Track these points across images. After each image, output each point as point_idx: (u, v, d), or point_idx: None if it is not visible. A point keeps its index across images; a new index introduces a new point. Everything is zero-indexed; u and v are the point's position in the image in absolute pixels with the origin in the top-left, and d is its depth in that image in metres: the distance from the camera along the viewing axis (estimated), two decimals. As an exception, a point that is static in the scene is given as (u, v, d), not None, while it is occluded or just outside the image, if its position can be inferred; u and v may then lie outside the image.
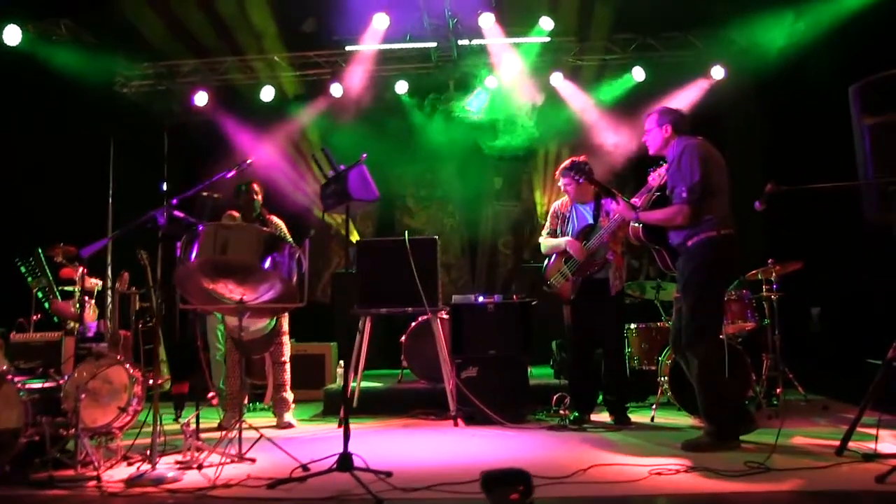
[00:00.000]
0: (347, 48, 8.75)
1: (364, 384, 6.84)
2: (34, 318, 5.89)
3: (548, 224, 6.00)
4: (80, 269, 5.83)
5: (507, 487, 3.03)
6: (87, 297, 6.26)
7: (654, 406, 5.86)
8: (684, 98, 8.78)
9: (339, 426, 5.80)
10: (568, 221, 5.87)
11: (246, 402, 6.12)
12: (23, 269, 5.95)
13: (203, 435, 4.50)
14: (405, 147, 9.64)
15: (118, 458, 4.34)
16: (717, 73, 8.84)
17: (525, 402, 5.99)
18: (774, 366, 6.14)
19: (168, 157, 10.00)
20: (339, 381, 7.01)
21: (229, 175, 4.45)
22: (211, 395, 4.52)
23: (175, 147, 10.01)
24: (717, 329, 4.79)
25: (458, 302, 6.17)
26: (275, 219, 6.09)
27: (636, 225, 4.99)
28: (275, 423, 5.97)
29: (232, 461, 4.36)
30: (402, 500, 3.52)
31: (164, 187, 6.43)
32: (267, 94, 9.35)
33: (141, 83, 9.47)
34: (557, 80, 9.10)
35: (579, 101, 9.14)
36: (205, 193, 4.96)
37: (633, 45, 8.98)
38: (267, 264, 4.03)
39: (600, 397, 5.90)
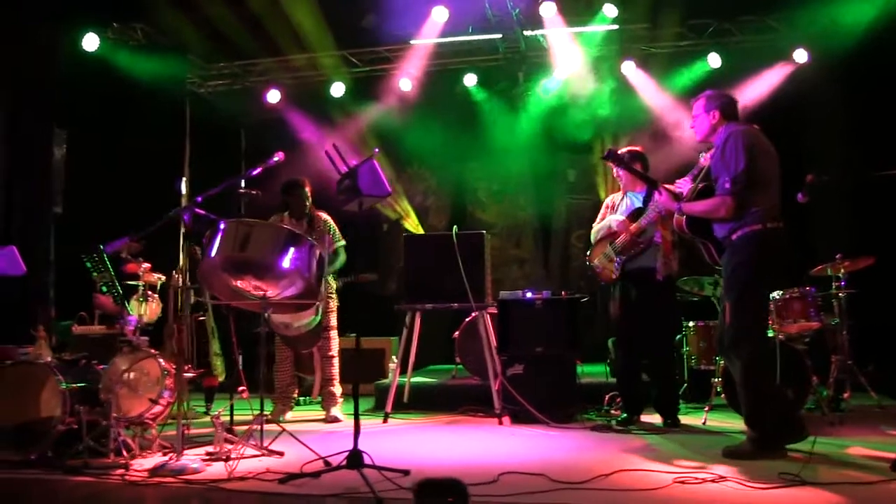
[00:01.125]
0: (412, 42, 8.72)
1: (417, 380, 6.86)
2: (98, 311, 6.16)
3: (599, 216, 5.82)
4: (144, 265, 6.05)
5: (439, 498, 2.93)
6: (150, 292, 6.52)
7: (706, 408, 5.59)
8: (763, 84, 8.34)
9: (384, 421, 5.84)
10: (618, 210, 5.67)
11: (296, 395, 6.21)
12: (88, 265, 6.23)
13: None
14: (476, 140, 9.57)
15: (154, 447, 4.48)
16: (800, 56, 8.34)
17: (573, 401, 5.82)
18: (843, 368, 5.74)
19: (245, 156, 10.30)
20: (392, 377, 7.02)
21: (255, 172, 4.50)
22: (241, 388, 4.58)
23: (252, 145, 10.29)
24: (762, 329, 4.49)
25: (506, 297, 6.06)
26: (324, 215, 6.15)
27: (680, 217, 4.71)
28: (323, 417, 6.04)
29: (262, 454, 4.45)
30: (405, 500, 3.48)
31: (183, 187, 6.53)
32: (337, 90, 9.47)
33: (217, 83, 9.79)
34: (629, 68, 8.81)
35: (652, 91, 8.80)
36: (241, 190, 5.07)
37: (709, 31, 8.60)
38: (285, 262, 4.05)
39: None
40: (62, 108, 7.92)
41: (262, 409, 4.37)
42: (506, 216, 10.08)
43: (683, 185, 4.89)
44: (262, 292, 4.26)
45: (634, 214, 5.49)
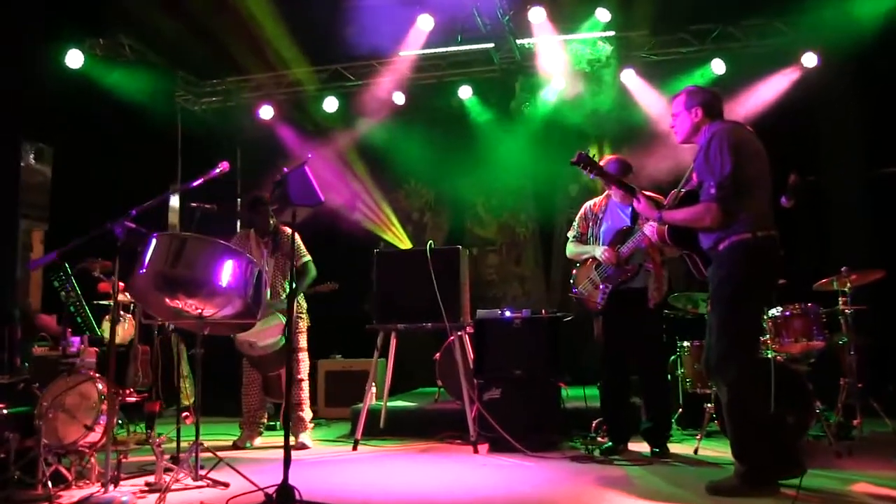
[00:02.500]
0: (401, 53, 8.46)
1: (397, 404, 6.52)
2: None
3: (575, 226, 5.43)
4: (117, 284, 5.81)
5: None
6: (122, 312, 6.29)
7: (698, 436, 5.15)
8: (769, 90, 7.92)
9: (353, 448, 5.51)
10: (601, 223, 5.28)
11: (265, 420, 5.90)
12: (55, 284, 6.02)
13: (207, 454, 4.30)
14: (474, 155, 9.22)
15: (93, 477, 4.19)
16: (809, 60, 7.91)
17: (555, 427, 5.43)
18: (852, 391, 5.28)
19: (241, 173, 10.09)
20: (370, 401, 6.67)
21: (195, 183, 4.23)
22: (185, 414, 4.28)
23: (248, 162, 10.07)
24: (752, 348, 3.99)
25: (483, 317, 5.70)
26: (287, 230, 5.87)
27: (662, 226, 4.26)
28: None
29: (207, 485, 4.14)
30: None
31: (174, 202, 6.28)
32: (330, 104, 9.24)
33: (210, 100, 9.62)
34: (629, 77, 8.45)
35: (654, 100, 8.42)
36: (194, 204, 4.80)
37: (712, 36, 8.22)
38: (219, 279, 3.76)
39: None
40: (47, 125, 7.79)
41: (197, 436, 4.05)
42: (506, 232, 9.70)
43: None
44: (197, 310, 3.96)
45: (620, 236, 5.10)
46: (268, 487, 3.58)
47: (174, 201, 8.86)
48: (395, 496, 4.05)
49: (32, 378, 4.54)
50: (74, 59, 7.78)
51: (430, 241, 5.82)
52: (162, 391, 5.80)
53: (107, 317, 6.35)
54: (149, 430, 4.52)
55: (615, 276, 5.07)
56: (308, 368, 5.88)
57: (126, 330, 6.28)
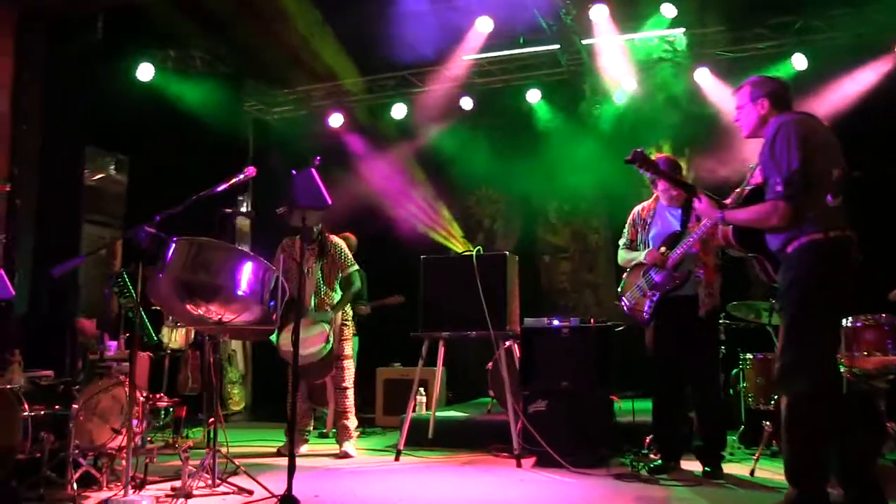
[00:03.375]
0: (464, 58, 8.34)
1: (448, 414, 6.38)
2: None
3: (625, 233, 5.17)
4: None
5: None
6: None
7: (755, 456, 4.78)
8: (856, 84, 7.36)
9: (396, 459, 5.41)
10: (649, 228, 5.00)
11: (311, 427, 5.87)
12: (115, 290, 6.19)
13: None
14: (544, 159, 9.01)
15: (123, 480, 4.23)
16: (903, 50, 7.33)
17: (603, 442, 5.16)
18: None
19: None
20: (420, 410, 6.57)
21: (220, 188, 4.21)
22: (211, 420, 4.27)
23: (321, 170, 10.15)
24: (822, 361, 3.54)
25: (530, 325, 5.49)
26: (335, 239, 5.84)
27: (725, 227, 3.89)
28: (336, 452, 5.66)
29: (232, 492, 4.13)
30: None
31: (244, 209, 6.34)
32: (398, 111, 9.22)
33: (283, 109, 9.78)
34: (703, 76, 8.05)
35: (728, 101, 7.96)
36: (228, 210, 4.81)
37: (794, 28, 7.73)
38: (237, 285, 3.74)
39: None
40: (122, 136, 8.10)
41: (215, 441, 4.03)
42: (578, 239, 9.42)
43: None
44: (217, 316, 3.95)
45: (670, 241, 4.81)
46: (274, 496, 3.50)
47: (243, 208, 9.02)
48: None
49: (74, 381, 4.64)
50: (145, 72, 8.01)
51: (479, 248, 5.64)
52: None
53: (165, 322, 6.49)
54: (175, 435, 4.55)
55: (663, 284, 4.78)
56: (354, 376, 5.81)
57: (182, 335, 6.42)
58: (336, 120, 9.41)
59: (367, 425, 7.11)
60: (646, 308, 4.85)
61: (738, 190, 3.93)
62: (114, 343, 4.83)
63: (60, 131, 6.13)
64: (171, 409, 4.51)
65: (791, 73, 7.68)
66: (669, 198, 4.92)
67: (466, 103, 8.98)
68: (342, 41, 8.33)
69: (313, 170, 3.59)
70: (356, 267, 5.82)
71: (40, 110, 6.11)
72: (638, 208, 5.15)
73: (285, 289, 3.94)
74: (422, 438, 5.90)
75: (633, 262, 5.01)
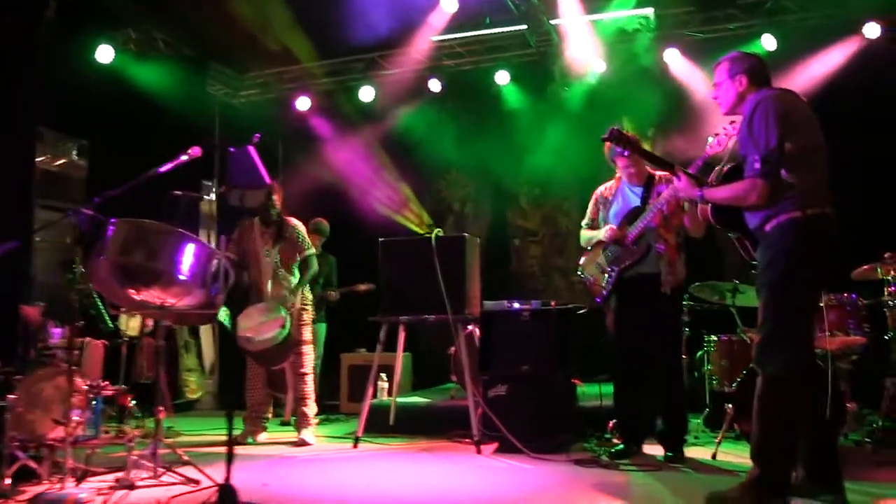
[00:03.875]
0: (433, 38, 8.19)
1: (411, 400, 6.29)
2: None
3: (588, 212, 5.08)
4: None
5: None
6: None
7: (717, 439, 4.71)
8: (823, 65, 7.30)
9: (354, 446, 5.30)
10: (611, 205, 4.91)
11: (269, 415, 5.75)
12: (69, 276, 6.02)
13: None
14: (515, 142, 8.90)
15: (67, 472, 4.09)
16: (872, 30, 7.24)
17: (565, 427, 5.08)
18: (896, 395, 4.73)
19: (283, 165, 10.04)
20: (382, 396, 6.46)
21: (164, 169, 4.06)
22: (160, 408, 4.13)
23: (288, 155, 10.01)
24: (800, 339, 3.41)
25: (490, 308, 5.39)
26: (293, 221, 5.72)
27: (704, 206, 3.77)
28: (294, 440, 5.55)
29: (179, 482, 4.00)
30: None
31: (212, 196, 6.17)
32: (366, 94, 9.06)
33: (249, 93, 9.58)
34: (673, 57, 7.95)
35: (699, 81, 7.89)
36: (178, 192, 4.66)
37: (765, 8, 7.64)
38: (176, 268, 3.60)
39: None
40: (82, 121, 7.89)
41: (157, 430, 3.90)
42: (549, 223, 9.32)
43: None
44: (158, 301, 3.81)
45: (630, 216, 4.73)
46: (217, 485, 3.38)
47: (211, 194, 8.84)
48: (363, 497, 3.82)
49: (14, 370, 4.47)
50: (105, 54, 7.80)
51: (438, 230, 5.52)
52: (168, 385, 5.74)
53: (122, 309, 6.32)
54: (119, 424, 4.40)
55: (622, 258, 4.70)
56: (313, 362, 5.70)
57: (138, 322, 6.26)
58: (303, 103, 9.23)
59: (332, 412, 7.00)
60: (605, 283, 4.76)
61: (717, 168, 3.82)
62: (58, 330, 4.66)
63: (6, 111, 5.91)
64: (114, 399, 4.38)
65: (761, 54, 7.55)
66: (630, 175, 4.85)
67: (435, 85, 8.84)
68: (307, 23, 8.14)
69: (251, 148, 3.45)
70: (313, 250, 5.69)
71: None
72: (601, 188, 5.07)
73: (229, 272, 3.80)
74: (383, 425, 5.80)
75: (594, 240, 4.92)
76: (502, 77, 8.73)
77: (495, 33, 8.38)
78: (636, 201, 4.78)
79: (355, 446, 5.29)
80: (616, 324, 4.81)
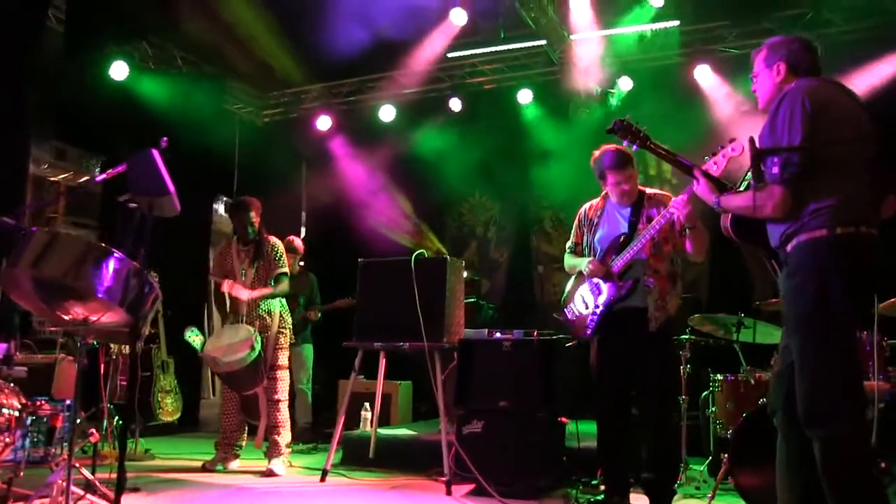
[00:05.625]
0: (449, 55, 7.90)
1: (396, 432, 5.91)
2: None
3: (572, 234, 4.64)
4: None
5: None
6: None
7: (710, 495, 4.17)
8: (870, 78, 6.68)
9: (322, 480, 4.94)
10: (596, 230, 4.45)
11: (243, 442, 5.44)
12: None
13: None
14: (538, 164, 8.48)
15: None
16: (923, 43, 6.62)
17: (545, 470, 4.60)
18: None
19: (306, 184, 9.89)
20: (364, 427, 6.09)
21: (99, 179, 3.83)
22: (91, 430, 3.87)
23: (312, 174, 9.85)
24: (850, 390, 2.72)
25: (470, 337, 4.98)
26: (273, 239, 5.46)
27: (725, 216, 3.18)
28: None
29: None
30: None
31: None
32: (387, 113, 8.81)
33: (272, 112, 9.48)
34: (704, 74, 7.44)
35: (730, 100, 7.36)
36: (123, 198, 4.41)
37: (804, 21, 7.08)
38: (89, 283, 3.34)
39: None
40: (99, 135, 7.88)
41: (70, 456, 3.61)
42: (575, 249, 8.82)
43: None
44: (81, 316, 3.56)
45: (616, 245, 4.28)
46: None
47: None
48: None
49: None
50: (121, 70, 7.76)
51: (422, 251, 5.16)
52: (137, 405, 5.51)
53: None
54: (48, 447, 4.15)
55: (609, 294, 4.23)
56: (288, 388, 5.39)
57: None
58: (324, 123, 9.05)
59: (327, 440, 6.66)
60: (588, 322, 4.30)
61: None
62: (3, 345, 4.47)
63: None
64: (46, 419, 4.14)
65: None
66: (622, 193, 4.37)
67: (456, 105, 8.52)
68: (323, 42, 7.95)
69: (155, 151, 3.17)
70: (286, 269, 5.42)
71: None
72: (585, 207, 4.61)
73: (155, 292, 3.51)
74: (363, 458, 5.43)
75: (577, 270, 4.46)
76: (525, 96, 8.34)
77: (516, 49, 8.03)
78: (623, 226, 4.33)
79: (322, 480, 4.93)
80: (598, 360, 4.34)
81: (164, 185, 3.11)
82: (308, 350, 6.82)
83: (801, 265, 2.77)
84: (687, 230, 4.00)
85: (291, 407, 5.86)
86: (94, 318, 3.56)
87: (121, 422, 5.32)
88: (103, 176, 3.80)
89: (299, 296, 6.81)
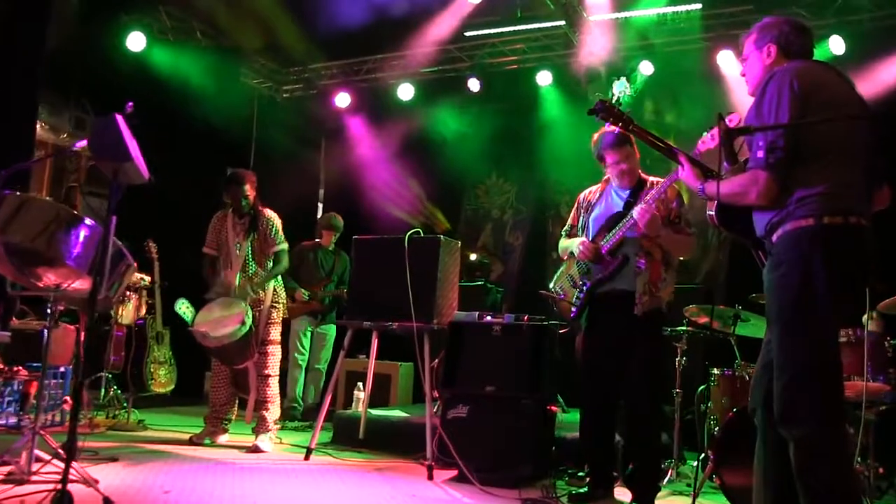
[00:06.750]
0: (467, 34, 7.76)
1: (388, 413, 5.85)
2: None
3: (570, 218, 4.51)
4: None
5: None
6: (129, 293, 6.10)
7: (694, 491, 4.03)
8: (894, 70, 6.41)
9: (305, 458, 4.90)
10: (592, 209, 4.32)
11: (232, 417, 5.42)
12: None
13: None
14: (556, 148, 8.32)
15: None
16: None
17: (527, 458, 4.48)
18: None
19: (324, 161, 9.85)
20: (356, 407, 6.04)
21: (79, 145, 3.78)
22: (65, 398, 3.87)
23: (330, 151, 9.80)
24: (829, 387, 2.57)
25: (460, 319, 4.88)
26: (269, 213, 5.40)
27: (710, 203, 3.00)
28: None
29: (77, 481, 3.70)
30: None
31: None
32: (405, 92, 8.71)
33: (293, 87, 9.43)
34: (727, 60, 7.20)
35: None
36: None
37: (834, 7, 6.80)
38: (57, 249, 3.31)
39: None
40: (117, 107, 7.87)
41: (35, 426, 3.60)
42: (590, 235, 8.65)
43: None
44: (51, 282, 3.54)
45: (609, 223, 4.14)
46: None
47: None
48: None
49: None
50: (136, 41, 7.75)
51: (417, 229, 5.06)
52: (131, 376, 5.52)
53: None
54: (21, 413, 4.15)
55: (595, 270, 4.12)
56: (279, 363, 5.35)
57: (130, 312, 6.09)
58: (343, 100, 8.98)
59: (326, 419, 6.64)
60: (574, 300, 4.18)
61: (740, 162, 3.14)
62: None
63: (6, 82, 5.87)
64: (20, 385, 4.14)
65: (828, 58, 6.73)
66: (621, 173, 4.23)
67: (474, 85, 8.39)
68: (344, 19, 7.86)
69: (119, 116, 3.11)
70: (285, 245, 5.36)
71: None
72: (585, 192, 4.49)
73: (126, 260, 3.48)
74: (353, 437, 5.38)
75: (569, 251, 4.34)
76: (544, 77, 8.17)
77: (535, 29, 7.86)
78: (619, 205, 4.19)
79: (306, 458, 4.88)
80: (583, 347, 4.22)
81: (126, 150, 3.05)
82: (331, 330, 6.77)
83: (786, 255, 2.62)
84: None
85: (283, 383, 5.82)
86: (64, 284, 3.54)
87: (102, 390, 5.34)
88: (83, 142, 3.74)
89: (333, 274, 6.78)
